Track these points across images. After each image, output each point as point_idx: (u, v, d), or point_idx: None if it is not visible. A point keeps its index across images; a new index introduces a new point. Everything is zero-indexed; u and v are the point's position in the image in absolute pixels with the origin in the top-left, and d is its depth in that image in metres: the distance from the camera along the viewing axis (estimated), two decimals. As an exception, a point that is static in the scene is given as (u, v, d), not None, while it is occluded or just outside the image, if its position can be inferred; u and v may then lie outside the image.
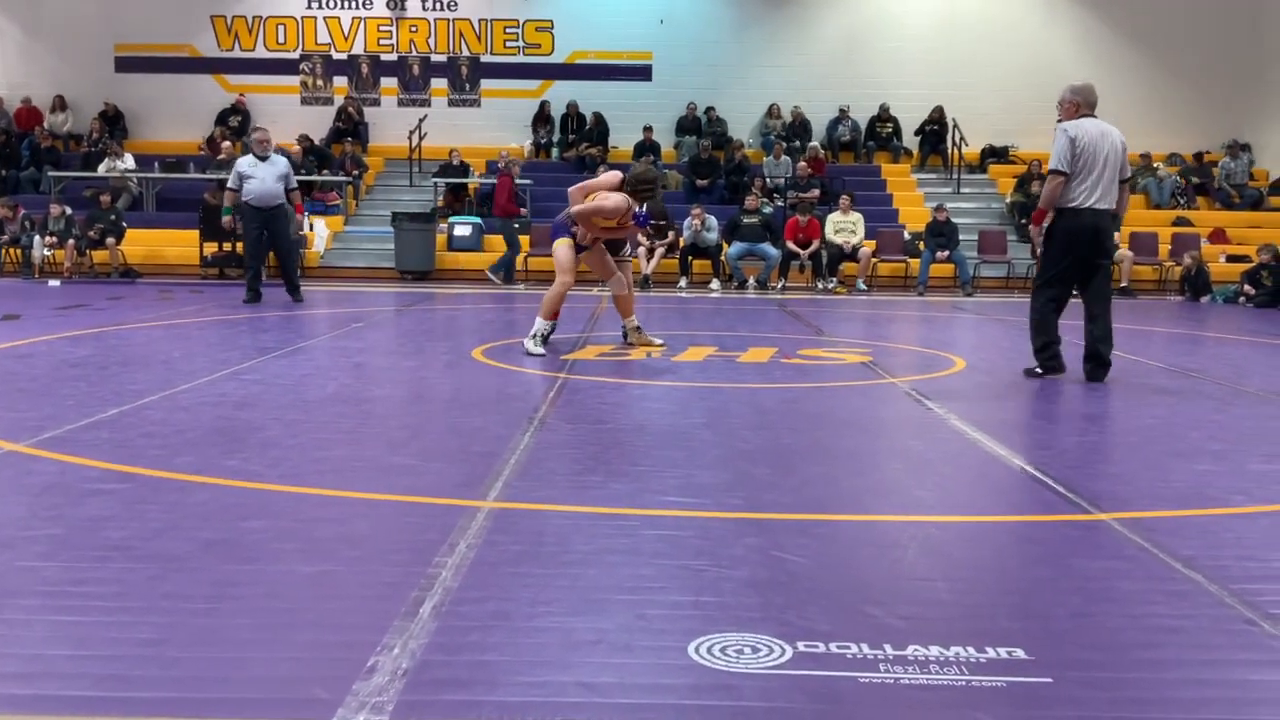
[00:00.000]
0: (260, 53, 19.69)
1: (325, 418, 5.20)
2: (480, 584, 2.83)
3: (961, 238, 15.62)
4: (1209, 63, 19.26)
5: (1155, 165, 18.34)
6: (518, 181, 15.67)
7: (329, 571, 2.94)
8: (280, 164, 11.40)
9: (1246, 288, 13.99)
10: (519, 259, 15.48)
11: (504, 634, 2.50)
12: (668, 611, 2.67)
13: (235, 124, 18.62)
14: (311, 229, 16.54)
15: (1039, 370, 6.77)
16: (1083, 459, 4.68)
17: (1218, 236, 16.83)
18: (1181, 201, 18.02)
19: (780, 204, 16.78)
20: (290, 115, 19.32)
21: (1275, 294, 13.53)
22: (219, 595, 2.74)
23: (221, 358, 7.28)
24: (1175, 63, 19.30)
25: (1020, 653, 2.43)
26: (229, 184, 11.41)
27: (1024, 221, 16.48)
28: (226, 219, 12.05)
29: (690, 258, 15.43)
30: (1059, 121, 6.74)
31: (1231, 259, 15.89)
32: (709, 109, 19.41)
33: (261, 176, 11.11)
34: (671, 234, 15.53)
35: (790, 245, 15.35)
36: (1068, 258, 6.64)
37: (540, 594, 2.77)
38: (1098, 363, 6.66)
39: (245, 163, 11.26)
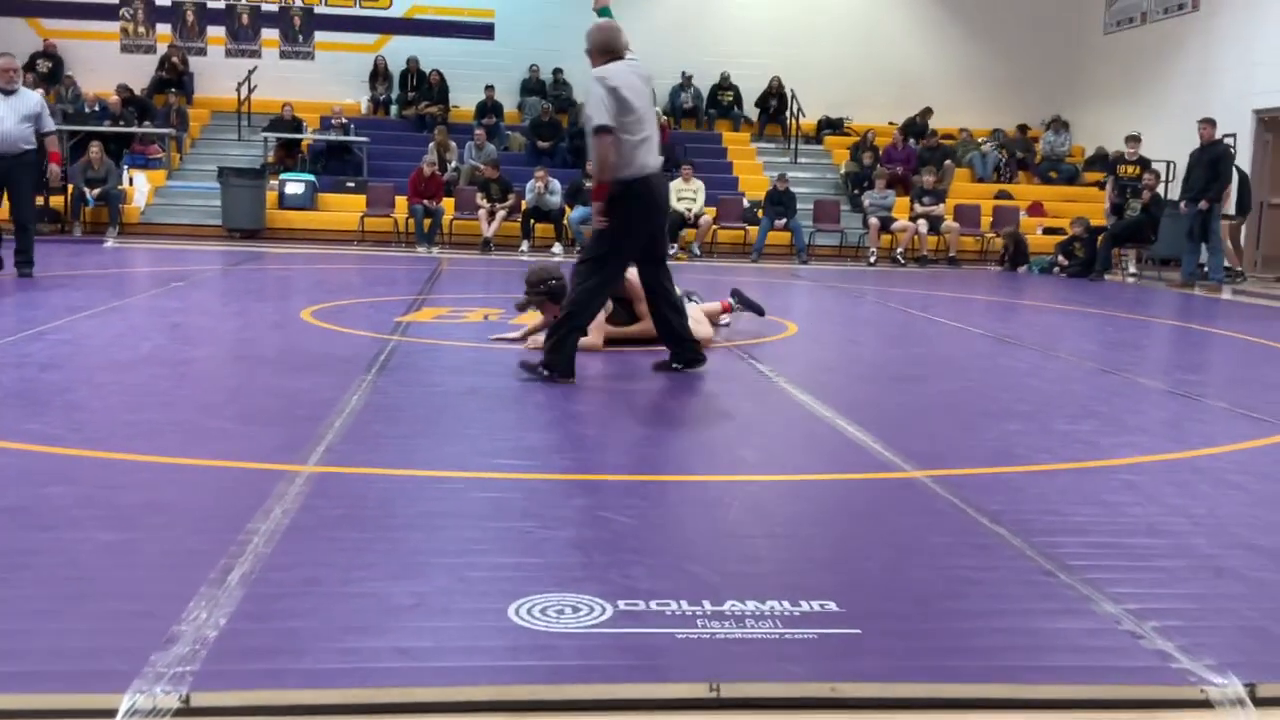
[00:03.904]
0: (77, -5, 18.49)
1: (137, 380, 4.95)
2: (294, 550, 2.74)
3: (798, 207, 15.94)
4: (1031, 41, 20.02)
5: (980, 140, 19.05)
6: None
7: (131, 539, 2.79)
8: (30, 101, 9.21)
9: (1060, 258, 14.72)
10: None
11: (316, 600, 2.43)
12: (489, 574, 2.64)
13: (46, 70, 17.44)
14: (131, 183, 15.72)
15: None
16: (901, 420, 4.84)
17: (1036, 209, 17.63)
18: (1005, 175, 18.80)
19: (622, 169, 16.74)
20: (110, 63, 18.22)
21: (1086, 264, 14.28)
22: (11, 565, 2.58)
23: (27, 316, 6.85)
24: (1000, 40, 19.99)
25: (832, 605, 2.49)
26: None
27: (856, 192, 16.95)
28: None
29: (533, 220, 15.30)
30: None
31: (1048, 231, 16.68)
32: (557, 70, 19.20)
33: (0, 116, 9.02)
34: (513, 196, 15.37)
35: (631, 210, 15.33)
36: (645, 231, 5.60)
37: (358, 559, 2.70)
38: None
39: None
